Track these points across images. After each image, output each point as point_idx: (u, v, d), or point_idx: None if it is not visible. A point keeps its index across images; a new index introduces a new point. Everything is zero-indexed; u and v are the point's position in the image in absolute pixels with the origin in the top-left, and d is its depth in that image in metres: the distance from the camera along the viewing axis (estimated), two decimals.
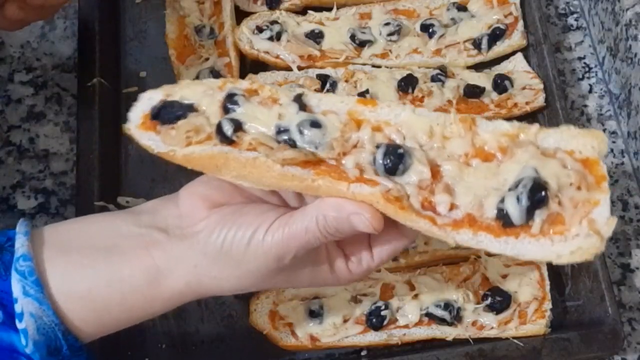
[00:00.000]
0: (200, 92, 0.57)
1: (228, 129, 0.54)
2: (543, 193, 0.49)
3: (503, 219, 0.50)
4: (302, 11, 0.94)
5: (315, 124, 0.53)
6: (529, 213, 0.49)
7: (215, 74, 0.88)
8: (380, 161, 0.52)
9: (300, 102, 0.55)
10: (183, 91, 0.57)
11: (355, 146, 0.54)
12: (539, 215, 0.49)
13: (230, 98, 0.56)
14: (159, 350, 0.79)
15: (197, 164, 0.56)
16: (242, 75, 0.88)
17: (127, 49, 0.95)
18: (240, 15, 0.93)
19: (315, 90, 0.84)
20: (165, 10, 0.94)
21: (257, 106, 0.55)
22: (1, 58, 0.96)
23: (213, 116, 0.55)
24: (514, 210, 0.49)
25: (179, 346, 0.79)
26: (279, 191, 0.58)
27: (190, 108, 0.56)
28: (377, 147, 0.53)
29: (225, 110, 0.55)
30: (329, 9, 0.93)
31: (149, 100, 0.58)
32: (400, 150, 0.52)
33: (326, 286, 0.75)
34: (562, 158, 0.51)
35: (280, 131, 0.54)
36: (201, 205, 0.56)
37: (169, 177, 0.87)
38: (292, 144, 0.54)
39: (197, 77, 0.88)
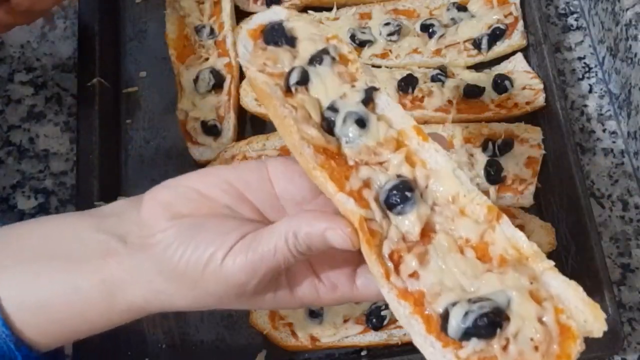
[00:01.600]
0: (309, 33, 0.56)
1: (293, 78, 0.53)
2: (493, 327, 0.44)
3: (443, 322, 0.46)
4: (302, 11, 0.94)
5: (361, 123, 0.52)
6: (467, 335, 0.44)
7: (216, 74, 0.88)
8: (387, 190, 0.49)
9: (369, 94, 0.53)
10: (299, 23, 0.56)
11: (380, 164, 0.51)
12: (474, 344, 0.44)
13: (322, 53, 0.54)
14: (159, 350, 0.79)
15: (255, 90, 0.56)
16: (242, 76, 0.88)
17: (127, 49, 0.95)
18: (240, 15, 0.93)
19: None
20: (165, 10, 0.94)
21: (333, 76, 0.54)
22: (1, 58, 0.96)
23: (300, 60, 0.55)
24: (455, 322, 0.45)
25: (179, 346, 0.79)
26: (253, 201, 0.54)
27: (291, 41, 0.55)
28: (398, 176, 0.50)
29: (311, 61, 0.54)
30: (329, 9, 0.93)
31: (274, 14, 0.57)
32: (409, 194, 0.49)
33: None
34: (546, 310, 0.45)
35: (330, 107, 0.53)
36: (161, 214, 0.52)
37: (169, 177, 0.86)
38: (331, 125, 0.52)
39: (197, 78, 0.88)
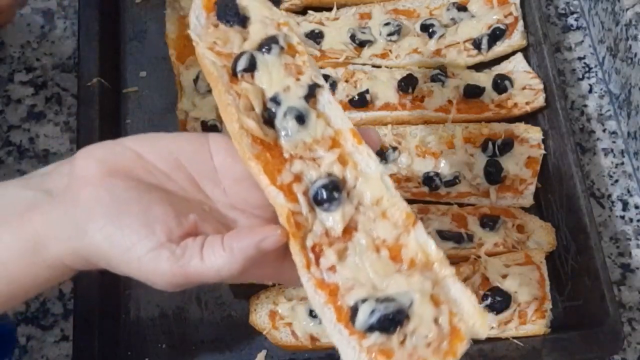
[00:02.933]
0: (261, 15, 0.57)
1: (241, 64, 0.55)
2: (394, 325, 0.48)
3: (352, 314, 0.50)
4: (302, 11, 0.94)
5: (300, 119, 0.54)
6: (371, 329, 0.49)
7: None
8: (316, 188, 0.52)
9: (312, 91, 0.55)
10: (252, 2, 0.57)
11: (314, 159, 0.54)
12: (376, 337, 0.48)
13: (272, 42, 0.55)
14: (159, 350, 0.79)
15: (202, 67, 0.57)
16: None
17: (127, 49, 0.95)
18: None
19: None
20: (165, 10, 0.94)
21: (280, 67, 0.55)
22: (1, 58, 0.96)
23: (249, 43, 0.56)
24: (362, 318, 0.49)
25: (179, 346, 0.79)
26: (190, 171, 0.55)
27: (242, 22, 0.56)
28: (329, 175, 0.53)
29: (260, 47, 0.55)
30: (329, 9, 0.93)
31: None
32: (337, 195, 0.52)
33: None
34: (443, 312, 0.50)
35: (272, 99, 0.54)
36: (94, 168, 0.51)
37: None
38: (271, 117, 0.54)
39: (197, 78, 0.88)
